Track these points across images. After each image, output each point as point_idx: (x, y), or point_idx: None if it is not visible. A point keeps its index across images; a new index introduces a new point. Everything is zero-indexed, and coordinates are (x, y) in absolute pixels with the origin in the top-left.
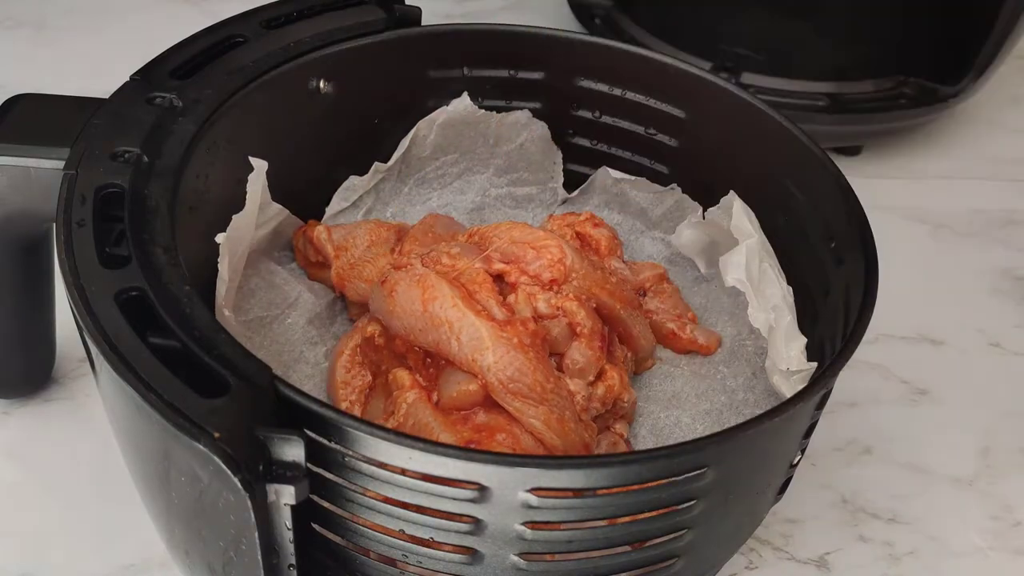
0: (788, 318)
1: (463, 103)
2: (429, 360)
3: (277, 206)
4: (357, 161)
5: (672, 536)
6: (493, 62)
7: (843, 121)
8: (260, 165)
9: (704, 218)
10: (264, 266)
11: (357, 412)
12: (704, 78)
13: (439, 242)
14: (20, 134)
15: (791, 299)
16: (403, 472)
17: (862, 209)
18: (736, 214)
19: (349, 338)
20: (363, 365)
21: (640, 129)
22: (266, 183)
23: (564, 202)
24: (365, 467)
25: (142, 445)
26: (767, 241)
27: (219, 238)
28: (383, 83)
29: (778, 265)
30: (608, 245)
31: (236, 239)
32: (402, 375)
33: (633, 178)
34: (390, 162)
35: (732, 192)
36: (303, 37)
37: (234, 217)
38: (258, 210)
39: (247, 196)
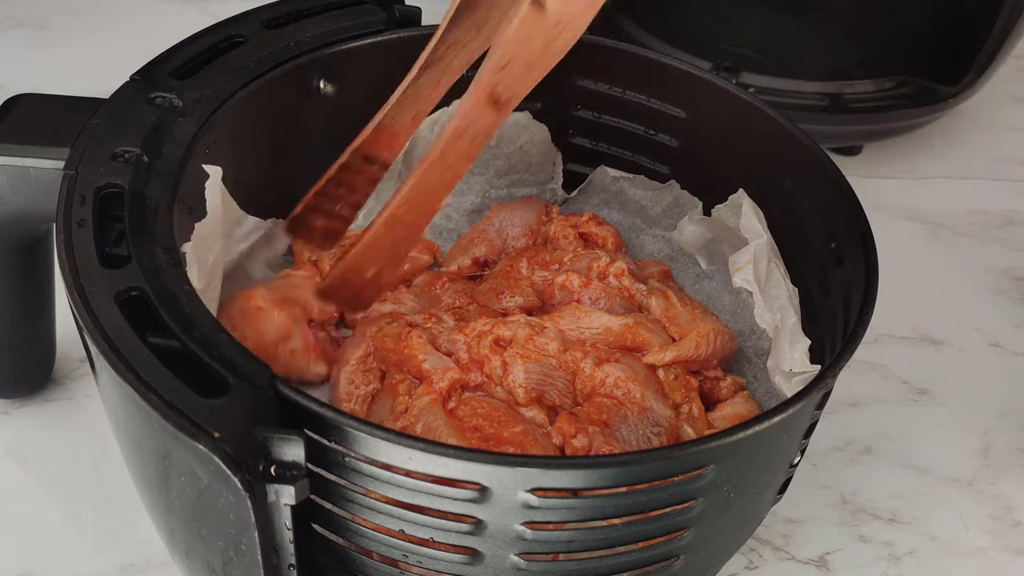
0: (793, 319)
1: None
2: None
3: (254, 220)
4: None
5: (672, 536)
6: None
7: (843, 121)
8: (214, 172)
9: (708, 214)
10: (263, 275)
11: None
12: (704, 78)
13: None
14: (20, 134)
15: (796, 300)
16: (404, 473)
17: (862, 209)
18: (746, 213)
19: (356, 347)
20: (367, 373)
21: (640, 129)
22: (226, 192)
23: (563, 202)
24: (365, 467)
25: (142, 445)
26: (774, 241)
27: (185, 247)
28: (383, 83)
29: (784, 266)
30: (615, 241)
31: (204, 247)
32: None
33: (631, 175)
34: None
35: (741, 191)
36: (303, 37)
37: (196, 225)
38: (222, 218)
39: (207, 203)
